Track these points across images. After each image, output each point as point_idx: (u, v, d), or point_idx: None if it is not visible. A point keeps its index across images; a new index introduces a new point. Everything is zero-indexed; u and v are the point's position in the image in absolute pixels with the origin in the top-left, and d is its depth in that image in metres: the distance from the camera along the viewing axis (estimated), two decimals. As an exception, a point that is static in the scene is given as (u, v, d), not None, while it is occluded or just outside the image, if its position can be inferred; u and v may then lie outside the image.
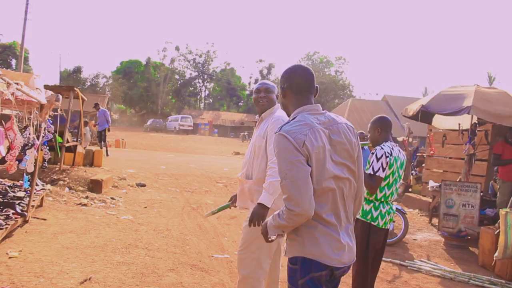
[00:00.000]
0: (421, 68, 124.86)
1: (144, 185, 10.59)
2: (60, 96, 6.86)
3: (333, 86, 52.38)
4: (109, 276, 4.40)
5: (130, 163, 14.58)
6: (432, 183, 9.24)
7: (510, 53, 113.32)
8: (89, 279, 4.23)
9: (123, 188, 9.90)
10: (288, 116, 2.37)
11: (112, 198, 8.58)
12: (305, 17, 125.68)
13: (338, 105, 47.77)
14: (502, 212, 4.73)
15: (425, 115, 8.49)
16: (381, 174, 3.66)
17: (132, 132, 42.34)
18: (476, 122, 8.29)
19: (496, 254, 4.68)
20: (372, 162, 3.71)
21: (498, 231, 5.05)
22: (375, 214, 3.71)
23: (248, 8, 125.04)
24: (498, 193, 8.08)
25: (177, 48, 62.88)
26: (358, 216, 3.71)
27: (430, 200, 9.78)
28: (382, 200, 3.75)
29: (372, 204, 3.74)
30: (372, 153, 3.76)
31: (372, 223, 3.72)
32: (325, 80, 48.09)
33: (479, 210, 7.38)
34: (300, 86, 2.29)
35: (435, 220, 9.26)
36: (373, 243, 3.72)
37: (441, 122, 9.61)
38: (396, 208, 7.16)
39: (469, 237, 7.29)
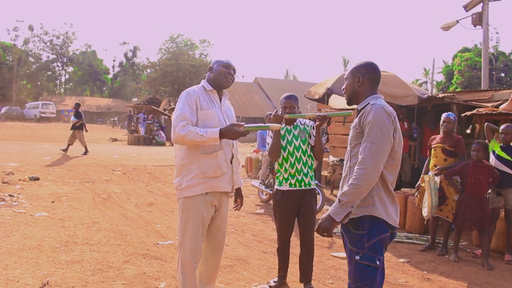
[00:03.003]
0: (281, 52, 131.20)
1: (38, 179, 9.67)
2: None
3: (204, 69, 52.47)
4: (67, 277, 4.06)
5: (6, 155, 13.15)
6: (332, 158, 9.99)
7: (360, 37, 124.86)
8: (47, 283, 3.87)
9: (16, 184, 8.93)
10: (354, 102, 2.66)
11: (11, 195, 7.72)
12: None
13: (210, 87, 47.95)
14: (426, 178, 5.43)
15: (324, 96, 9.12)
16: None
17: (-17, 122, 37.75)
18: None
19: (425, 214, 5.39)
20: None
21: (417, 193, 5.80)
22: None
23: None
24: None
25: (30, 28, 57.05)
26: (314, 185, 4.03)
27: (328, 174, 10.61)
28: None
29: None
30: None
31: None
32: (196, 63, 47.87)
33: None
34: (377, 79, 2.64)
35: (336, 191, 10.10)
36: None
37: (335, 102, 10.35)
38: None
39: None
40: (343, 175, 2.64)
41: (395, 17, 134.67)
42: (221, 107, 3.28)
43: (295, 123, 4.06)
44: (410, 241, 6.07)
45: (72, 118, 14.96)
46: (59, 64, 62.25)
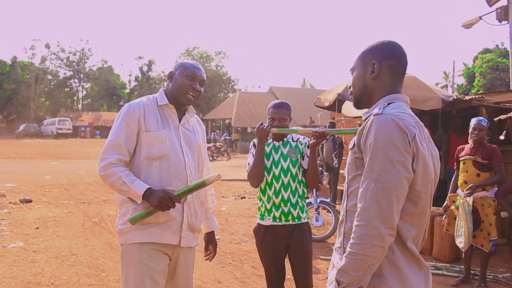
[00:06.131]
0: (298, 61, 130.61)
1: (30, 201, 9.04)
2: None
3: (218, 80, 52.05)
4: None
5: (7, 175, 12.66)
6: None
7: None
8: None
9: (4, 208, 8.29)
10: (365, 104, 1.72)
11: (-8, 222, 7.06)
12: (182, 11, 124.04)
13: (225, 99, 47.68)
14: (460, 201, 4.48)
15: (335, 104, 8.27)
16: None
17: (0, 140, 37.85)
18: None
19: (461, 245, 4.45)
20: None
21: (445, 216, 4.87)
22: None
23: (122, 2, 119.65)
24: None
25: (47, 46, 57.33)
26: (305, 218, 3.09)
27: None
28: None
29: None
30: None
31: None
32: (210, 74, 47.49)
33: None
34: (401, 67, 1.68)
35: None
36: None
37: (349, 109, 9.48)
38: (323, 201, 6.79)
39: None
40: (340, 219, 1.71)
41: (412, 20, 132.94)
42: (178, 127, 2.43)
43: (285, 139, 3.13)
44: (440, 272, 5.09)
45: None
46: (76, 81, 62.54)
